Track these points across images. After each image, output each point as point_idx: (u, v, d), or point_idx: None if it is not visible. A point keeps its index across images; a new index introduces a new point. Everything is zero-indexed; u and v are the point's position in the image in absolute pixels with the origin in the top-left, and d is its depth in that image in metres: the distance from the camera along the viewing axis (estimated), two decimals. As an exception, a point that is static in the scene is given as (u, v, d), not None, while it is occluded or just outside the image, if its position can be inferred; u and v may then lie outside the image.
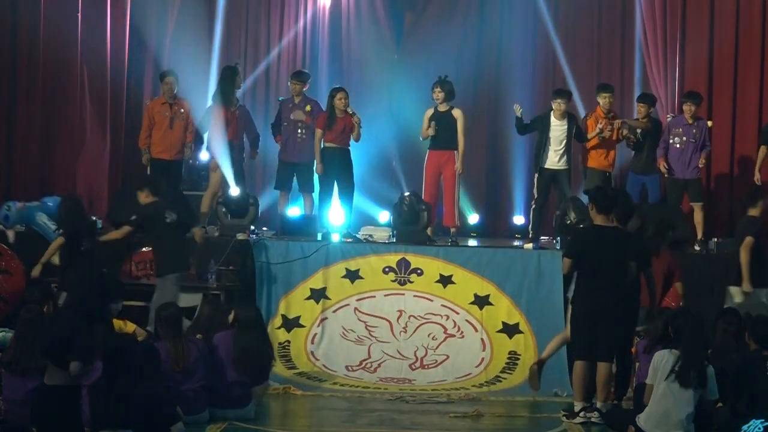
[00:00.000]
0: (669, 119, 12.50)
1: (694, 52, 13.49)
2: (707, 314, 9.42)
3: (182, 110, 12.38)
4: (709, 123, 12.43)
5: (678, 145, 12.04)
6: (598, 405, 8.70)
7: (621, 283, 8.68)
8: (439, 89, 11.92)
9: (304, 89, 12.49)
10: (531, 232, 11.80)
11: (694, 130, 12.04)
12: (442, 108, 11.92)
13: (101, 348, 7.16)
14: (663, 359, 7.73)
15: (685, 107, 12.06)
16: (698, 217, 12.06)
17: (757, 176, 11.90)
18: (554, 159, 11.79)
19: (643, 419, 7.75)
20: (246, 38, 14.86)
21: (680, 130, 12.09)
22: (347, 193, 12.05)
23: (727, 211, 13.30)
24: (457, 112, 11.90)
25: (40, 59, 13.11)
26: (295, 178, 12.48)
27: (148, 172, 12.34)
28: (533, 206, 12.00)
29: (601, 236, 8.81)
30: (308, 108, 12.35)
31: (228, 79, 12.37)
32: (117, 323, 9.12)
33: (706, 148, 12.12)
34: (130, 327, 9.35)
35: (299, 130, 12.31)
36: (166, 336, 8.32)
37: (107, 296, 7.97)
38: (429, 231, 11.77)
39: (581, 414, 8.69)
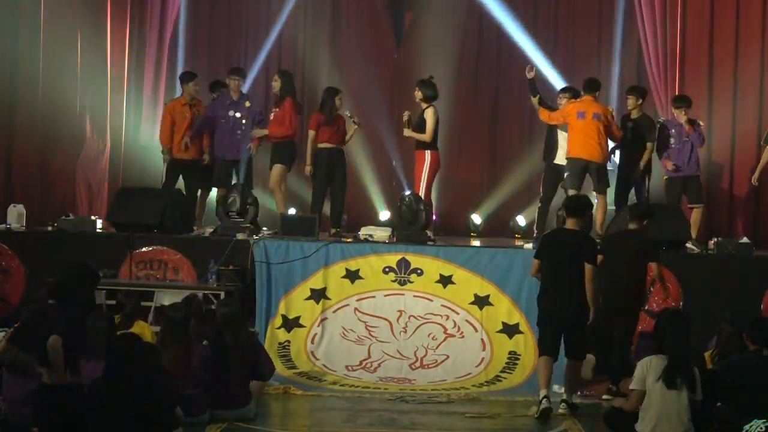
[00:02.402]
0: (662, 121, 12.45)
1: (693, 53, 13.49)
2: (714, 314, 9.46)
3: (199, 112, 12.50)
4: (701, 123, 12.35)
5: (675, 145, 12.02)
6: (564, 397, 8.97)
7: (578, 284, 8.92)
8: (416, 89, 11.93)
9: (242, 85, 12.56)
10: (536, 230, 11.78)
11: (687, 128, 12.01)
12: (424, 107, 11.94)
13: (105, 347, 7.17)
14: (651, 364, 7.74)
15: (676, 112, 12.06)
16: (695, 216, 12.02)
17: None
18: (563, 156, 11.80)
19: (643, 425, 7.74)
20: (246, 38, 14.87)
21: (673, 131, 12.09)
22: (339, 193, 12.06)
23: (727, 211, 13.30)
24: (427, 112, 11.82)
25: (40, 62, 13.16)
26: (234, 174, 12.43)
27: (164, 171, 12.46)
28: (539, 204, 11.99)
29: (560, 239, 9.20)
30: (247, 104, 12.37)
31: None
32: (137, 327, 9.06)
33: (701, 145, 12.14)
34: (145, 328, 9.20)
35: (239, 131, 12.28)
36: (172, 338, 8.28)
37: (86, 278, 7.95)
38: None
39: (544, 400, 8.85)
